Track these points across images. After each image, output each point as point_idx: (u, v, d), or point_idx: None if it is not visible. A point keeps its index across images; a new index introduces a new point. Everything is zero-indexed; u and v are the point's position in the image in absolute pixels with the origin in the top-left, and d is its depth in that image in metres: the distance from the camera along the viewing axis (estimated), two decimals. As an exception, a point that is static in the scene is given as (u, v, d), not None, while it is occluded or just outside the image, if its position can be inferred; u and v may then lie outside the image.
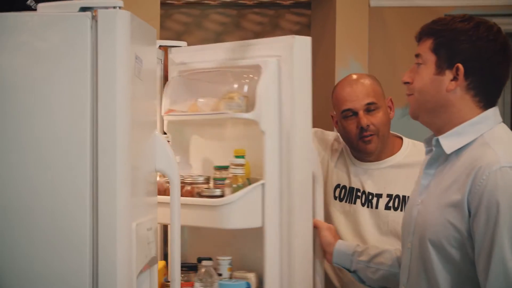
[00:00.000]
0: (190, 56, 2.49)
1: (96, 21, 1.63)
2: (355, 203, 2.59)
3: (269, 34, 5.94)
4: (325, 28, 4.43)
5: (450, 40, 1.81)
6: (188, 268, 2.37)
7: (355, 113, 2.50)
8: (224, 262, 2.32)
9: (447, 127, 1.83)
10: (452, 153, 1.82)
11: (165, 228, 2.47)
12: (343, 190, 2.63)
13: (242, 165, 2.24)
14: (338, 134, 2.73)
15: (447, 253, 1.76)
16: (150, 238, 1.80)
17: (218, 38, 5.98)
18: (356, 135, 2.52)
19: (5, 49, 1.66)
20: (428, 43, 1.84)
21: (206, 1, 5.88)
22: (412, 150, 2.56)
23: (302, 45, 2.24)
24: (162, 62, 2.53)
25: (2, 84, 1.65)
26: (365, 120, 2.48)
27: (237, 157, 2.26)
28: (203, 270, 2.27)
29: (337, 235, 2.40)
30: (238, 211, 2.19)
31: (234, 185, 2.22)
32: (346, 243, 2.36)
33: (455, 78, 1.81)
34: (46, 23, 1.65)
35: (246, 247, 2.38)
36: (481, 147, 1.77)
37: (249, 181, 2.26)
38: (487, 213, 1.69)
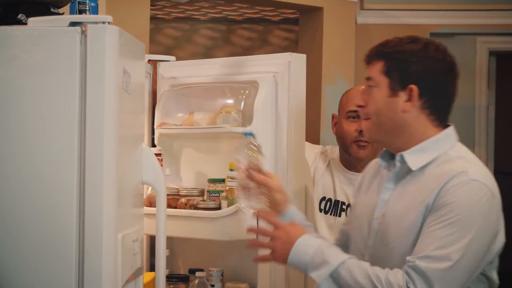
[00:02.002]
0: (180, 70, 2.51)
1: (85, 36, 1.65)
2: (340, 215, 2.61)
3: (258, 49, 5.98)
4: (312, 45, 4.46)
5: (401, 62, 1.82)
6: (178, 279, 2.39)
7: (359, 117, 2.51)
8: (216, 274, 2.35)
9: (407, 146, 1.83)
10: (417, 169, 1.81)
11: (152, 240, 2.49)
12: (328, 203, 2.65)
13: None
14: (326, 147, 2.76)
15: None
16: (136, 249, 1.81)
17: (207, 52, 6.01)
18: (352, 138, 2.56)
19: (-4, 62, 1.68)
20: (379, 66, 1.84)
21: (196, 16, 5.91)
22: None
23: (298, 62, 2.29)
24: (151, 76, 2.55)
25: (-6, 95, 1.68)
26: None
27: (232, 170, 2.27)
28: (196, 281, 2.29)
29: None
30: (235, 223, 2.21)
31: (230, 198, 2.25)
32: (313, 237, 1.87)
33: (409, 99, 1.81)
34: (36, 37, 1.67)
35: (236, 258, 2.41)
36: (449, 163, 1.78)
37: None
38: (447, 213, 1.70)
